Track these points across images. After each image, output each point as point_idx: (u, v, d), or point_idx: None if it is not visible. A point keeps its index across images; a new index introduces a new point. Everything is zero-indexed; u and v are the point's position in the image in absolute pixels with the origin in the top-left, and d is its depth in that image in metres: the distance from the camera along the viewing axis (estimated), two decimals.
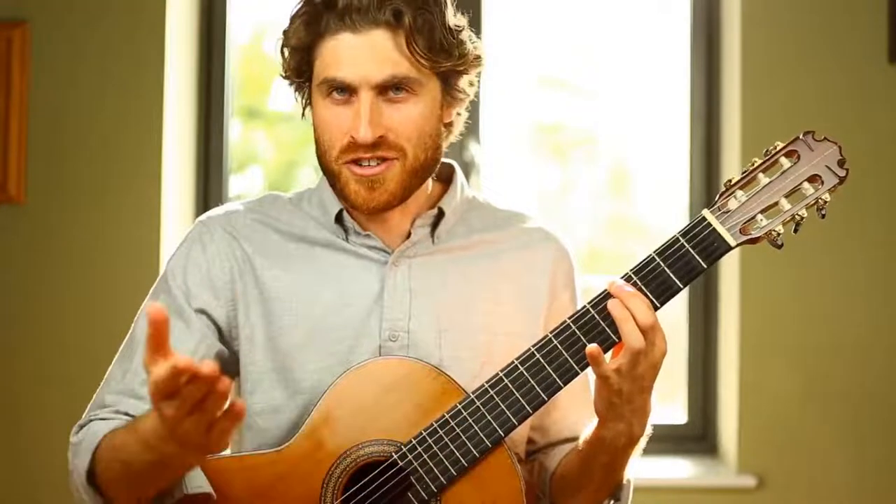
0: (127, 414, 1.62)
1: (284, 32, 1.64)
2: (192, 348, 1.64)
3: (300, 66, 1.63)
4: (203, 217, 1.74)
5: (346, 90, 1.59)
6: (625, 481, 1.65)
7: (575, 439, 1.68)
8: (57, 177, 3.11)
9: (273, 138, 3.66)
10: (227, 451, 1.65)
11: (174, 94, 3.16)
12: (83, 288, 3.11)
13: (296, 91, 1.69)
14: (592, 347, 1.49)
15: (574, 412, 1.74)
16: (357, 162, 1.59)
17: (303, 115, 1.70)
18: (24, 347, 3.11)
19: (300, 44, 1.61)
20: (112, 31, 3.11)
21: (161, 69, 3.09)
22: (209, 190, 3.32)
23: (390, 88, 1.58)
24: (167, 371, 1.28)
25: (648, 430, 1.59)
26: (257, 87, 3.64)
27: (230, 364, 1.68)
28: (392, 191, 1.60)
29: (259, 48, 3.64)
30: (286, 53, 1.64)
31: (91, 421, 1.63)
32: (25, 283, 3.12)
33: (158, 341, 1.29)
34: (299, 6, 1.62)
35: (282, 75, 1.68)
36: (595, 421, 1.58)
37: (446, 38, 1.59)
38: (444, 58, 1.60)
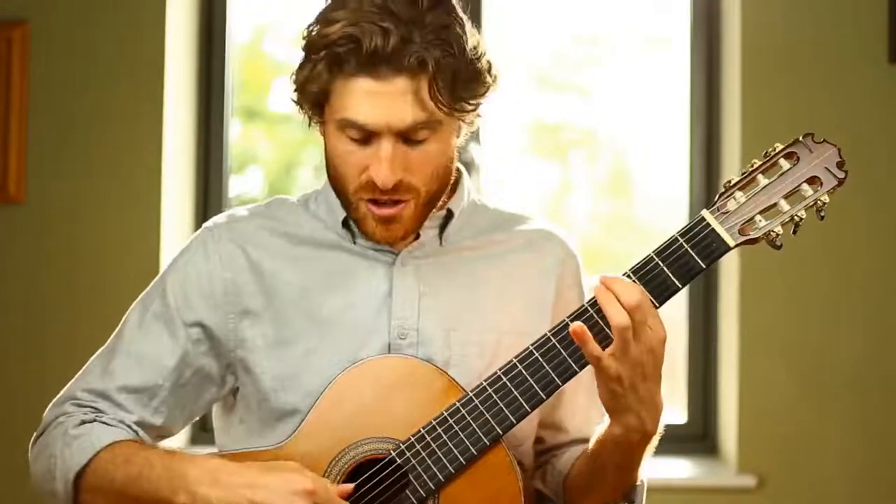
0: (124, 423, 1.65)
1: (300, 68, 1.59)
2: (168, 356, 1.66)
3: (316, 101, 1.60)
4: (209, 223, 1.73)
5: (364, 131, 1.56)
6: (638, 483, 1.64)
7: (585, 440, 1.68)
8: (57, 177, 3.11)
9: (273, 138, 3.66)
10: (228, 449, 1.65)
11: (174, 94, 3.16)
12: (83, 288, 3.10)
13: (304, 113, 1.65)
14: (576, 325, 1.48)
15: (584, 411, 1.74)
16: (374, 201, 1.59)
17: (308, 125, 1.67)
18: (24, 347, 3.11)
19: (321, 85, 1.57)
20: (112, 31, 3.11)
21: (161, 69, 3.10)
22: (209, 190, 3.32)
23: (411, 132, 1.56)
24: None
25: (661, 429, 1.58)
26: (257, 87, 3.64)
27: (215, 378, 1.68)
28: (407, 226, 1.62)
29: (259, 48, 3.64)
30: (301, 87, 1.60)
31: (94, 422, 1.64)
32: (25, 283, 3.12)
33: None
34: (320, 48, 1.55)
35: (294, 101, 1.63)
36: (606, 420, 1.57)
37: (470, 76, 1.56)
38: (467, 97, 1.57)
